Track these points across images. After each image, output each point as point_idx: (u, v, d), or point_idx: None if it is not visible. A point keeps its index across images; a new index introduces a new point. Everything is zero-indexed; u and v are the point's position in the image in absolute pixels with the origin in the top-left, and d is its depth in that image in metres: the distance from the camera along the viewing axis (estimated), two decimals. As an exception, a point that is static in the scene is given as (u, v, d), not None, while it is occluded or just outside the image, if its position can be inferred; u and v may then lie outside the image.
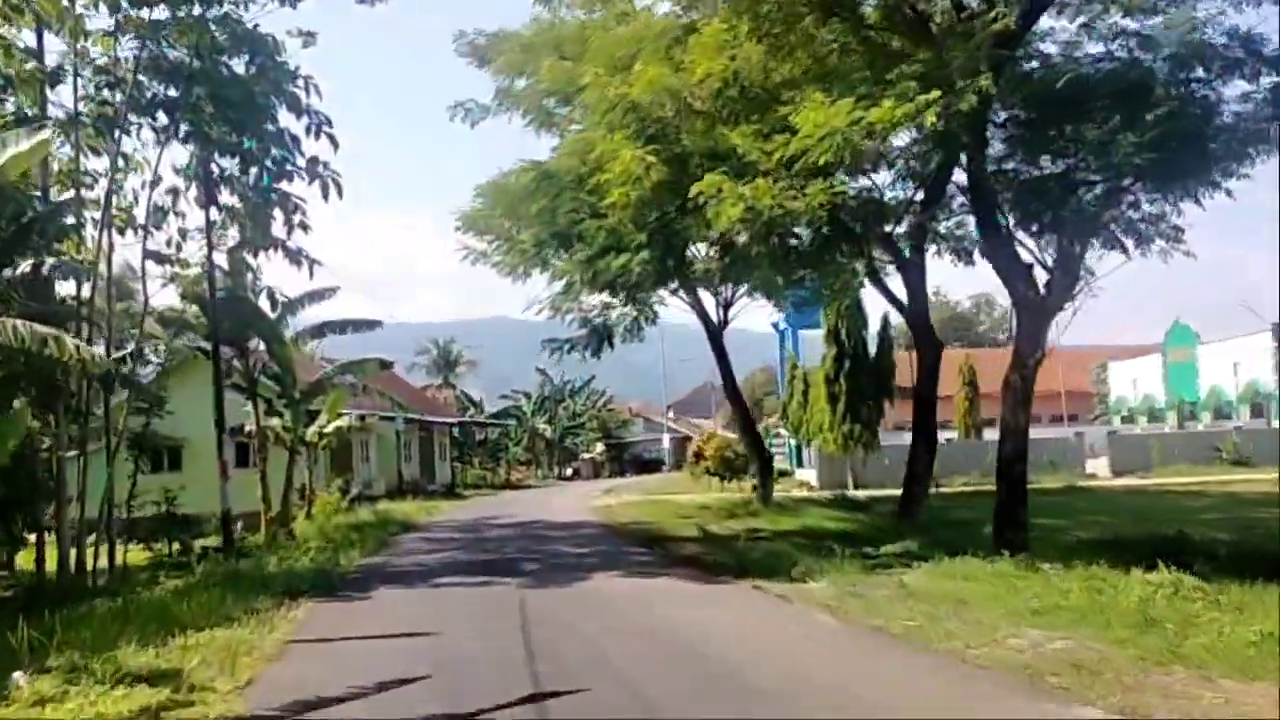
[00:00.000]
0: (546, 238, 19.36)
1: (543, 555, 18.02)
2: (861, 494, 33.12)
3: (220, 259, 23.67)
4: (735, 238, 16.94)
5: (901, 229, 20.99)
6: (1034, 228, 16.93)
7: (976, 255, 22.35)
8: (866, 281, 23.03)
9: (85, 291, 19.09)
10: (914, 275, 20.39)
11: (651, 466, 72.45)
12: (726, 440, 39.63)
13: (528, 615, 11.08)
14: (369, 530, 25.02)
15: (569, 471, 69.32)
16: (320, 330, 27.79)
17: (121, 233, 21.37)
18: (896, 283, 22.06)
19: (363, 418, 32.52)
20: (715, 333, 29.37)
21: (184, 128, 18.71)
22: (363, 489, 37.98)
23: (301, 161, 19.94)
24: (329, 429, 30.60)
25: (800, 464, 44.10)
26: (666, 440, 58.37)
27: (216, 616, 11.42)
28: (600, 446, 71.52)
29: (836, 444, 37.24)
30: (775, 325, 63.46)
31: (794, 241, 19.92)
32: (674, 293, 27.24)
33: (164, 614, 11.57)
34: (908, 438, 43.82)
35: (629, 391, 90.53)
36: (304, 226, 20.73)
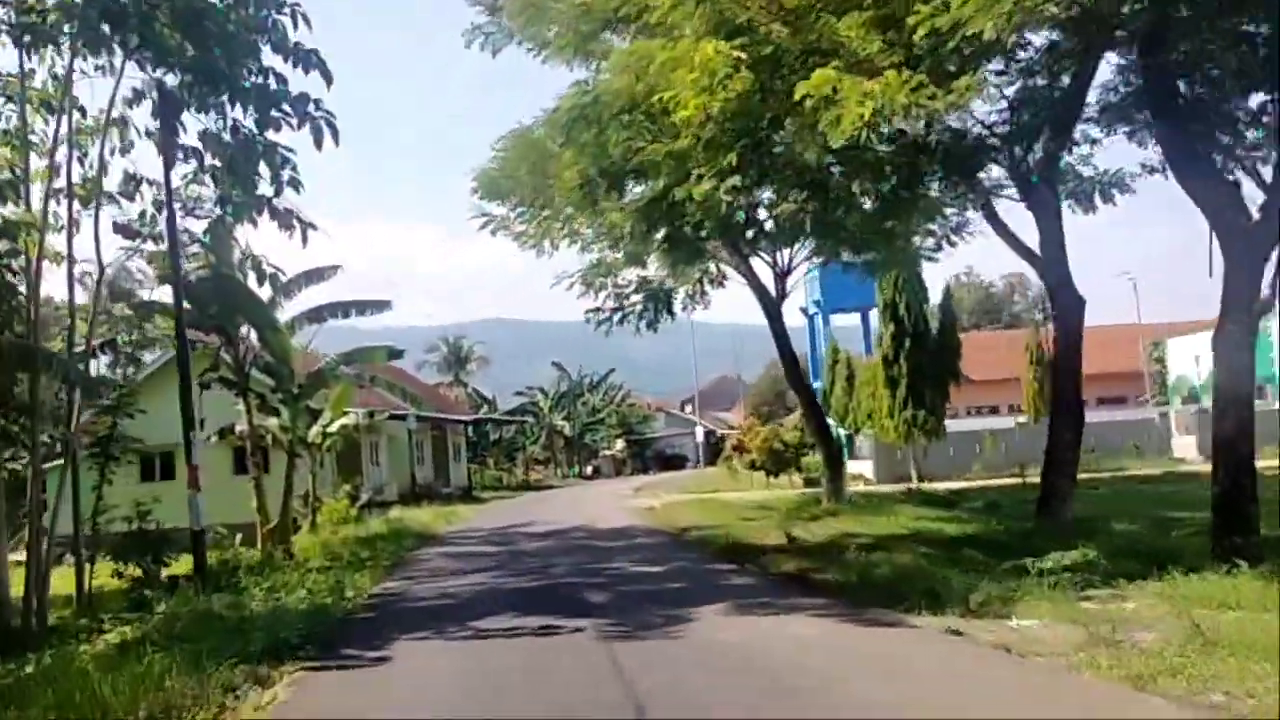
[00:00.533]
0: (595, 175, 15.17)
1: (606, 577, 13.83)
2: (938, 487, 28.96)
3: (195, 226, 19.67)
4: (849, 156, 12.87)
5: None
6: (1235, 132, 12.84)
7: (1097, 199, 18.51)
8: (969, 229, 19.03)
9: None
10: (1048, 216, 16.22)
11: (676, 463, 68.27)
12: (774, 430, 35.44)
13: (640, 699, 6.84)
14: (382, 544, 20.92)
15: (589, 470, 65.17)
16: (319, 314, 23.62)
17: (85, 204, 17.34)
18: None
19: (371, 415, 28.39)
20: (772, 306, 25.18)
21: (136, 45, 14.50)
22: (373, 494, 33.85)
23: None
24: (333, 428, 26.51)
25: (850, 455, 39.78)
26: (700, 434, 53.89)
27: (153, 702, 7.32)
28: (620, 443, 67.30)
29: (897, 432, 33.08)
30: (804, 310, 59.40)
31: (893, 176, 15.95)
32: (732, 257, 23.16)
33: (75, 697, 7.51)
34: (958, 425, 39.92)
35: (636, 388, 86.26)
36: (295, 184, 16.60)
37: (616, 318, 22.35)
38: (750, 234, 18.47)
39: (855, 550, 14.53)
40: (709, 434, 74.85)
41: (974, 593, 10.29)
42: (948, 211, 21.39)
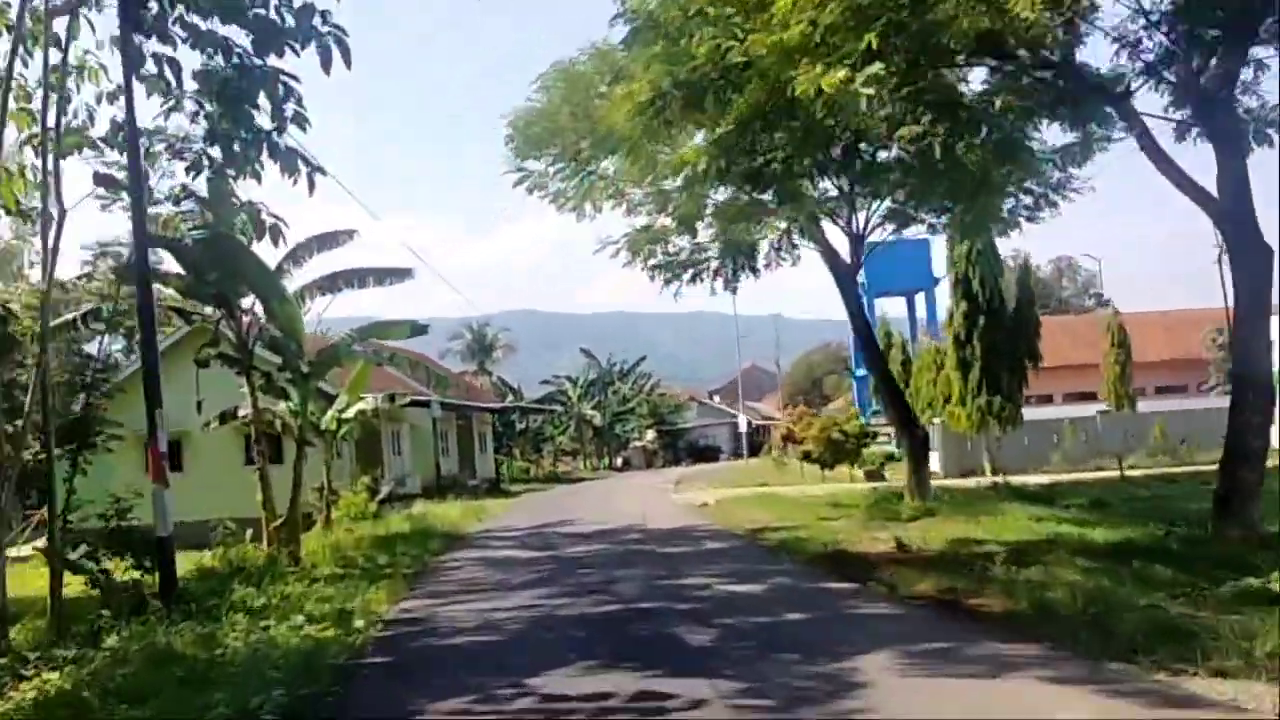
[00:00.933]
0: (668, 88, 11.86)
1: (692, 600, 10.59)
2: (1025, 481, 25.53)
3: (195, 182, 16.60)
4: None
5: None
6: None
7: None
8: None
9: None
10: (1229, 144, 12.86)
11: (709, 454, 65.01)
12: (831, 419, 32.03)
13: None
14: (403, 546, 17.82)
15: (619, 461, 62.00)
16: (333, 282, 20.45)
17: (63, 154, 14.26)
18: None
19: (391, 398, 25.24)
20: (845, 275, 21.88)
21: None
22: (394, 486, 30.82)
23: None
24: (349, 414, 23.45)
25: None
26: (743, 424, 49.97)
27: None
28: (651, 434, 64.06)
29: (969, 420, 29.70)
30: (846, 293, 56.06)
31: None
32: (802, 222, 19.88)
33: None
34: (1028, 414, 36.31)
35: (662, 379, 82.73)
36: (300, 120, 13.41)
37: (687, 275, 19.18)
38: (858, 166, 15.13)
39: (1001, 564, 11.30)
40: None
41: (1255, 639, 7.03)
42: (1045, 167, 18.33)
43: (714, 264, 19.64)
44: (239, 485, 23.22)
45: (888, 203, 20.70)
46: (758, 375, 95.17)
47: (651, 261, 21.73)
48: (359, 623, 9.77)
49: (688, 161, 13.61)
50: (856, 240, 21.75)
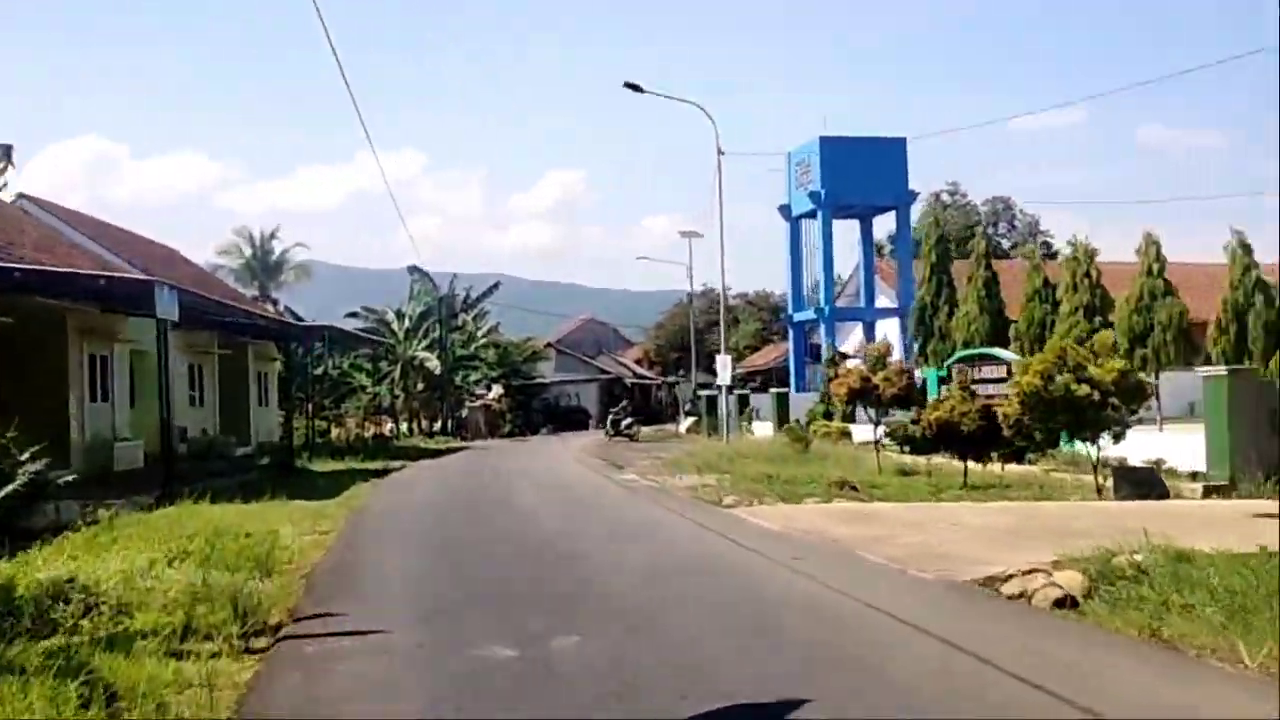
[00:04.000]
0: None
1: None
2: None
3: None
4: None
5: None
6: None
7: None
8: None
9: None
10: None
11: (575, 419, 47.71)
12: (1067, 346, 14.87)
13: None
14: None
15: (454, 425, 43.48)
16: None
17: None
18: None
19: None
20: None
21: None
22: (44, 471, 11.41)
23: None
24: None
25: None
26: (724, 371, 27.90)
27: None
28: (497, 389, 45.81)
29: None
30: (785, 210, 39.22)
31: None
32: None
33: None
34: None
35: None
36: None
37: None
38: None
39: None
40: (612, 383, 54.56)
41: None
42: None
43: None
44: None
45: None
46: (596, 330, 78.62)
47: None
48: None
49: None
50: None
